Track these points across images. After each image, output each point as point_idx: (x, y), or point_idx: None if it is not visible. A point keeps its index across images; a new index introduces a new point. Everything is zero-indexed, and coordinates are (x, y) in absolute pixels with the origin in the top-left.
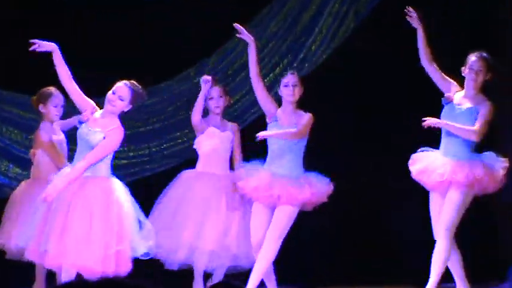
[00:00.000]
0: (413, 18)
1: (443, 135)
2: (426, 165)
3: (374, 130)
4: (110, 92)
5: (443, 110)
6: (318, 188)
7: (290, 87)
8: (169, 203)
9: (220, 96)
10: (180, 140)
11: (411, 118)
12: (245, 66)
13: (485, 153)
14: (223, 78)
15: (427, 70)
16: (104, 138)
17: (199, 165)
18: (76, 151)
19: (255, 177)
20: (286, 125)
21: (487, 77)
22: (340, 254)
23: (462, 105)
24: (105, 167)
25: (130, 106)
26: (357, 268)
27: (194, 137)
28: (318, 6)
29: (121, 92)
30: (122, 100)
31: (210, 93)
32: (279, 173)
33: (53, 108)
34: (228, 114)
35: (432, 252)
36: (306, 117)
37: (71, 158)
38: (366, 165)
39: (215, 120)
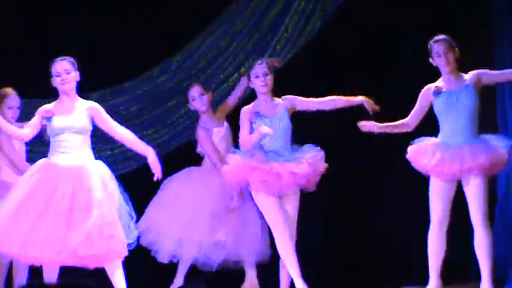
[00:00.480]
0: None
1: (441, 118)
2: (441, 155)
3: (342, 130)
4: (53, 78)
5: (438, 102)
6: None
7: (261, 77)
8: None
9: (202, 94)
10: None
11: (380, 116)
12: (210, 64)
13: (486, 136)
14: (187, 77)
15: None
16: (91, 115)
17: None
18: (50, 148)
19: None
20: (271, 115)
21: (456, 55)
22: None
23: (454, 89)
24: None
25: (78, 73)
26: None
27: (158, 138)
28: (284, 4)
29: (61, 67)
30: (69, 73)
31: (190, 94)
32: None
33: (7, 110)
34: (193, 114)
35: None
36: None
37: (30, 160)
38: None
39: (209, 119)
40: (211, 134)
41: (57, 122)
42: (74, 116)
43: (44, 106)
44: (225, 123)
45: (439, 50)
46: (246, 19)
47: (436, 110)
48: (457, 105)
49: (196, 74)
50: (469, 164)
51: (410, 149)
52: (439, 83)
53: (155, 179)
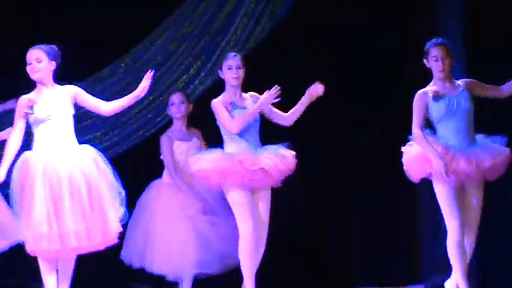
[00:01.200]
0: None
1: (441, 123)
2: (454, 153)
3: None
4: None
5: (438, 106)
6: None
7: (234, 69)
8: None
9: (182, 103)
10: (91, 144)
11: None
12: (159, 67)
13: (483, 138)
14: (135, 80)
15: None
16: (73, 98)
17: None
18: (35, 138)
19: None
20: (242, 106)
21: (452, 61)
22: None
23: (453, 94)
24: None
25: (54, 62)
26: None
27: (107, 140)
28: (234, 6)
29: (31, 56)
30: (40, 62)
31: (171, 99)
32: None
33: None
34: (143, 116)
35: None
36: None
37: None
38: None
39: (178, 130)
40: (173, 144)
41: (40, 110)
42: (56, 101)
43: (23, 96)
44: (195, 140)
45: (437, 54)
46: (195, 21)
47: (435, 115)
48: (458, 109)
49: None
50: (485, 164)
51: (407, 150)
52: (432, 87)
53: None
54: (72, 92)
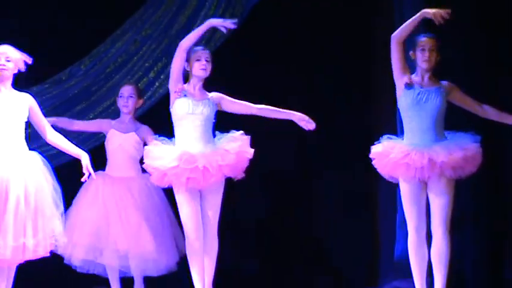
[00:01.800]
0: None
1: (408, 117)
2: (409, 149)
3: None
4: None
5: (406, 95)
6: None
7: (202, 60)
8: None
9: (130, 96)
10: (47, 147)
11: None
12: (119, 69)
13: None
14: (95, 82)
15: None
16: (29, 107)
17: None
18: None
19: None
20: (197, 100)
21: (438, 58)
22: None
23: (426, 87)
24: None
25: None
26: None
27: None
28: (194, 8)
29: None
30: (9, 61)
31: (120, 91)
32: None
33: None
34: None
35: None
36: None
37: None
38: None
39: (122, 121)
40: (109, 130)
41: None
42: (11, 105)
43: None
44: (132, 134)
45: (424, 45)
46: (155, 24)
47: (402, 105)
48: (426, 104)
49: (105, 78)
50: (442, 158)
51: (374, 148)
52: (412, 77)
53: (82, 179)
54: (30, 102)
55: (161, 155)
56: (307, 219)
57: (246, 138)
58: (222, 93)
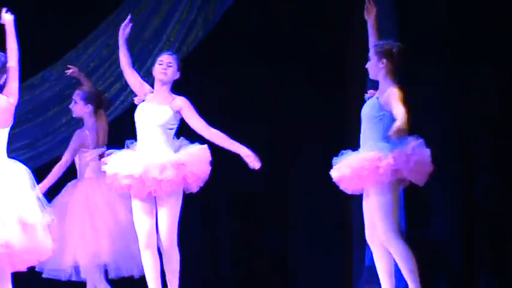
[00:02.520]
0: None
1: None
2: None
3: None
4: None
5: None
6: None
7: (164, 65)
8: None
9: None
10: (21, 151)
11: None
12: (91, 74)
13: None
14: (67, 87)
15: None
16: None
17: None
18: None
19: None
20: (157, 104)
21: (389, 64)
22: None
23: (371, 96)
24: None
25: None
26: None
27: (39, 146)
28: (167, 13)
29: None
30: None
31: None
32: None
33: None
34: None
35: None
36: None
37: None
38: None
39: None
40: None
41: None
42: None
43: None
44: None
45: (370, 53)
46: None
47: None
48: (363, 114)
49: (77, 83)
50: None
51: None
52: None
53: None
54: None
55: (112, 160)
56: (278, 229)
57: (204, 154)
58: (194, 98)
